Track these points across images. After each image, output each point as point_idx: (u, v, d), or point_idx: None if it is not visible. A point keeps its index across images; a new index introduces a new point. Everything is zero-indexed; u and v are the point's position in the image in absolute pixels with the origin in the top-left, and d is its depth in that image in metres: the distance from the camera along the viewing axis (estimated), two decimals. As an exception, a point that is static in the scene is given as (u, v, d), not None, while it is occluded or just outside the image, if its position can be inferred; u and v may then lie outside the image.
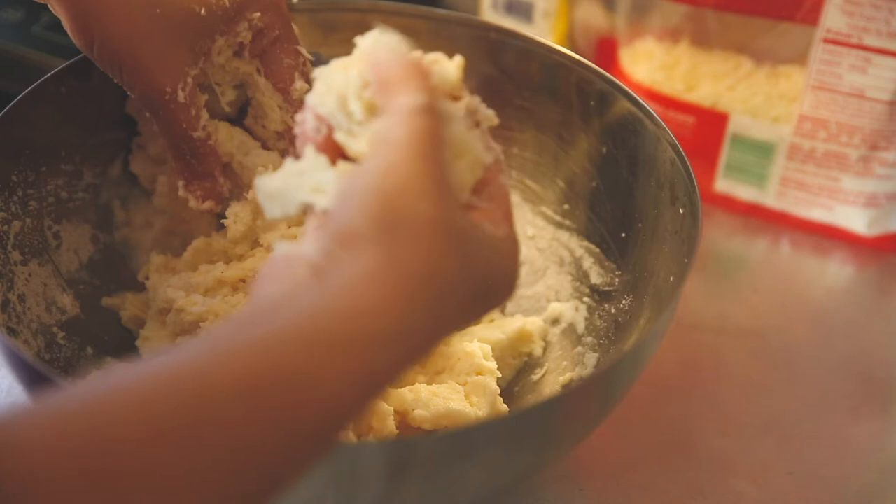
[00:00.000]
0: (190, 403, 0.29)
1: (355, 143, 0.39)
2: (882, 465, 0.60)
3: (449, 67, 0.42)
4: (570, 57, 0.60)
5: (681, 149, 0.53)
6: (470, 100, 0.43)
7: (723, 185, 0.77)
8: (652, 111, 0.56)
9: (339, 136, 0.40)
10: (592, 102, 0.60)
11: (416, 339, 0.34)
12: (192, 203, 0.56)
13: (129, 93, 0.54)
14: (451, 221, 0.36)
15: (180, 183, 0.56)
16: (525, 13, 0.83)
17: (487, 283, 0.38)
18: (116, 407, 0.29)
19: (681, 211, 0.53)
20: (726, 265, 0.74)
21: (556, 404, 0.44)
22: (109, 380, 0.30)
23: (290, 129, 0.57)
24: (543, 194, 0.65)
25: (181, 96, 0.53)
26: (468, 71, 0.64)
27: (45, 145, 0.56)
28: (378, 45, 0.40)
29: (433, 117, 0.37)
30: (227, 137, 0.58)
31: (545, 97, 0.63)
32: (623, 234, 0.59)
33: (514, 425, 0.43)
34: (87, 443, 0.28)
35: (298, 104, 0.55)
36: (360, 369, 0.32)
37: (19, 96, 0.53)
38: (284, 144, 0.58)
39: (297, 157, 0.40)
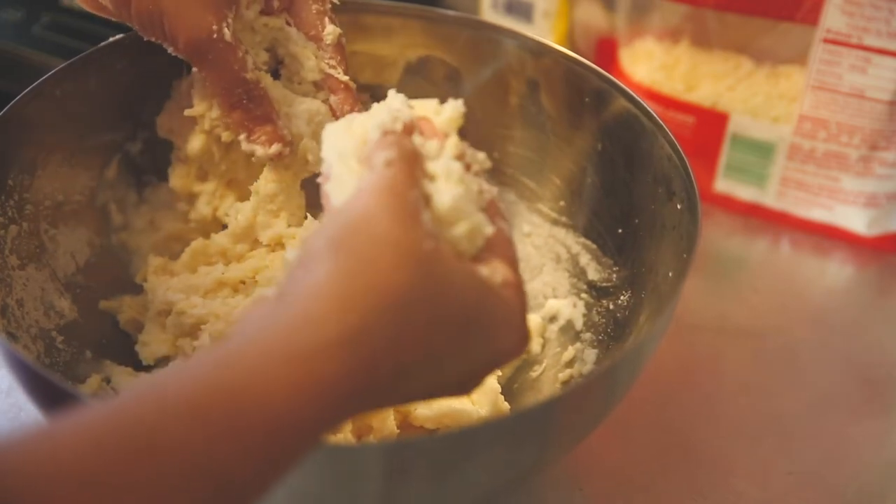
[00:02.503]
0: (145, 425, 0.30)
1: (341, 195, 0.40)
2: (882, 465, 0.60)
3: (446, 110, 0.44)
4: (565, 55, 0.61)
5: (678, 145, 0.54)
6: (457, 143, 0.43)
7: (723, 185, 0.77)
8: (648, 108, 0.56)
9: (326, 187, 0.41)
10: (587, 99, 0.60)
11: (369, 352, 0.34)
12: (260, 152, 0.54)
13: (172, 47, 0.52)
14: (417, 245, 0.36)
15: (242, 137, 0.55)
16: (525, 13, 0.83)
17: (479, 323, 0.38)
18: (78, 434, 0.30)
19: (679, 206, 0.53)
20: (726, 265, 0.74)
21: (558, 403, 0.44)
22: (83, 413, 0.30)
23: (327, 76, 0.57)
24: (539, 191, 0.65)
25: (227, 35, 0.52)
26: (466, 70, 0.64)
27: (40, 148, 0.56)
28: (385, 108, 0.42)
29: (403, 163, 0.38)
30: (271, 87, 0.56)
31: (541, 95, 0.63)
32: (620, 230, 0.59)
33: (516, 425, 0.43)
34: (56, 470, 0.29)
35: (332, 49, 0.55)
36: (306, 379, 0.32)
37: (14, 100, 0.53)
38: (325, 95, 0.57)
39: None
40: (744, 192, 0.77)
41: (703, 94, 0.76)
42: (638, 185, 0.58)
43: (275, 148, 0.54)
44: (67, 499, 0.28)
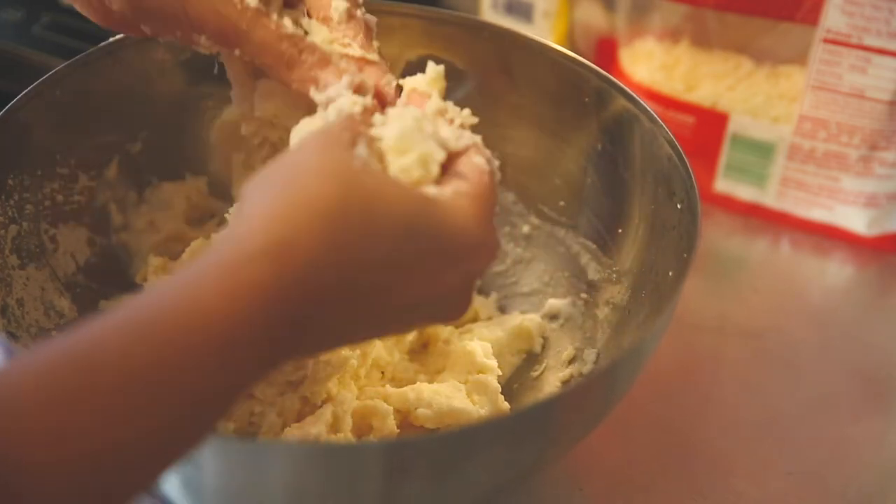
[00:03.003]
0: (98, 347, 0.32)
1: None
2: (882, 465, 0.60)
3: (429, 72, 0.47)
4: (564, 54, 0.61)
5: (678, 144, 0.54)
6: (437, 101, 0.45)
7: (723, 185, 0.77)
8: (648, 107, 0.56)
9: None
10: (587, 99, 0.60)
11: (300, 258, 0.35)
12: (334, 92, 0.49)
13: (200, 34, 0.49)
14: (344, 164, 0.37)
15: (312, 91, 0.49)
16: (525, 13, 0.83)
17: (424, 233, 0.38)
18: (37, 361, 0.31)
19: (678, 206, 0.53)
20: (726, 265, 0.74)
21: (558, 403, 0.44)
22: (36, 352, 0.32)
23: (346, 57, 0.52)
24: (539, 192, 0.65)
25: (252, 1, 0.49)
26: (467, 69, 0.63)
27: (40, 149, 0.56)
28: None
29: (347, 120, 0.41)
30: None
31: (540, 95, 0.63)
32: (620, 230, 0.59)
33: (515, 424, 0.43)
34: (18, 391, 0.30)
35: (344, 26, 0.51)
36: (236, 286, 0.33)
37: (14, 100, 0.53)
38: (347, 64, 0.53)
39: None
40: (744, 192, 0.77)
41: (703, 94, 0.76)
42: (638, 185, 0.58)
43: (343, 81, 0.49)
44: (26, 426, 0.30)
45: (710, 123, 0.75)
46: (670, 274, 0.52)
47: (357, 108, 0.42)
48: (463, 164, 0.43)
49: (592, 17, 0.83)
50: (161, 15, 0.49)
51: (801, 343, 0.67)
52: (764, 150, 0.75)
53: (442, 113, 0.44)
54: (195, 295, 0.33)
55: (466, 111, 0.45)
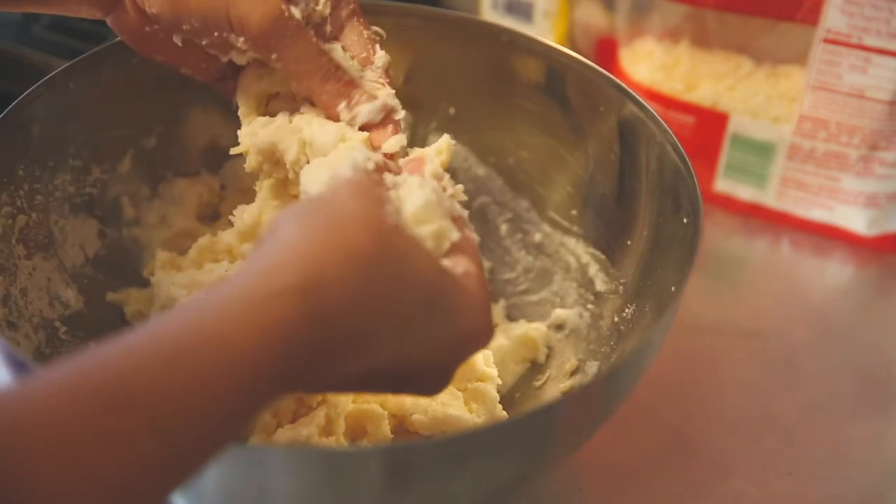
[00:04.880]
0: (118, 376, 0.31)
1: None
2: (882, 465, 0.60)
3: (440, 141, 0.49)
4: (578, 60, 0.60)
5: (686, 156, 0.53)
6: (437, 167, 0.47)
7: (723, 185, 0.77)
8: (658, 116, 0.56)
9: None
10: (602, 108, 0.60)
11: (327, 301, 0.35)
12: (366, 111, 0.51)
13: (240, 33, 0.49)
14: (381, 218, 0.38)
15: (342, 107, 0.51)
16: (525, 13, 0.83)
17: (439, 303, 0.39)
18: (52, 387, 0.31)
19: (685, 220, 0.52)
20: (726, 265, 0.74)
21: (552, 412, 0.43)
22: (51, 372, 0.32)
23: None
24: (551, 199, 0.65)
25: (297, 12, 0.50)
26: (480, 75, 0.62)
27: (52, 140, 0.56)
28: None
29: (371, 175, 0.43)
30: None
31: (553, 101, 0.63)
32: (629, 242, 0.59)
33: (510, 431, 0.42)
34: (32, 423, 0.30)
35: (381, 71, 0.53)
36: (264, 320, 0.33)
37: (28, 91, 0.53)
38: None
39: None
40: (744, 192, 0.77)
41: (703, 94, 0.76)
42: (647, 195, 0.58)
43: (379, 103, 0.51)
44: (44, 450, 0.29)
45: (710, 123, 0.75)
46: (672, 289, 0.51)
47: (370, 165, 0.44)
48: (463, 240, 0.43)
49: (592, 16, 0.83)
50: (202, 13, 0.49)
51: (801, 343, 0.67)
52: (764, 150, 0.75)
53: (439, 179, 0.46)
54: (222, 325, 0.33)
55: (460, 187, 0.46)
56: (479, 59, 0.64)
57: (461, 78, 0.65)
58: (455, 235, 0.43)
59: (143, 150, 0.62)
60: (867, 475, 0.59)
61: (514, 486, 0.51)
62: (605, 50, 0.83)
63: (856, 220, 0.74)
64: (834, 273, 0.74)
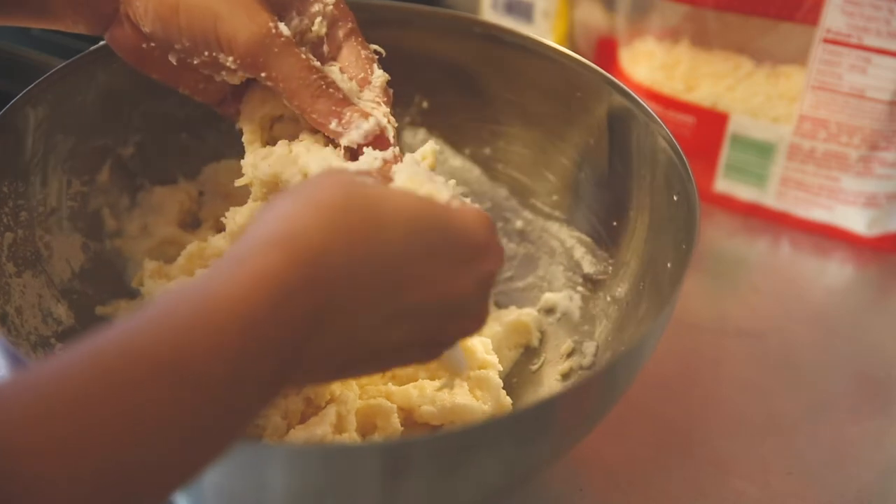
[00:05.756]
0: (126, 348, 0.32)
1: None
2: (882, 465, 0.60)
3: (425, 147, 0.51)
4: (558, 51, 0.61)
5: (672, 137, 0.53)
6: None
7: (723, 185, 0.77)
8: (642, 101, 0.56)
9: None
10: (580, 94, 0.60)
11: (307, 246, 0.36)
12: (356, 132, 0.50)
13: (228, 52, 0.49)
14: (354, 178, 0.40)
15: (333, 124, 0.51)
16: (525, 13, 0.83)
17: (430, 229, 0.39)
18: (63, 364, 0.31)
19: (675, 198, 0.52)
20: (726, 265, 0.74)
21: (559, 401, 0.44)
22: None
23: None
24: (533, 187, 0.65)
25: (285, 30, 0.50)
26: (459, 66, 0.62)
27: (34, 155, 0.56)
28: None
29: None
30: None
31: (532, 91, 0.63)
32: (615, 223, 0.59)
33: (516, 423, 0.43)
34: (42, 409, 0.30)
35: (379, 90, 0.53)
36: (246, 273, 0.34)
37: (6, 107, 0.53)
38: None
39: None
40: (744, 192, 0.77)
41: (703, 94, 0.76)
42: (632, 178, 0.58)
43: (372, 121, 0.51)
44: (65, 419, 0.30)
45: (710, 123, 0.75)
46: (669, 265, 0.52)
47: (377, 164, 0.46)
48: (455, 200, 0.43)
49: (592, 17, 0.83)
50: (191, 33, 0.49)
51: (801, 343, 0.67)
52: (764, 150, 0.75)
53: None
54: (209, 286, 0.34)
55: (452, 181, 0.47)
56: (452, 52, 0.64)
57: (434, 71, 0.65)
58: (446, 194, 0.42)
59: (121, 160, 0.61)
60: (867, 475, 0.59)
61: (515, 480, 0.51)
62: (606, 50, 0.83)
63: (856, 220, 0.74)
64: (834, 273, 0.74)
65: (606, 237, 0.60)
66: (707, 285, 0.71)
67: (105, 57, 0.57)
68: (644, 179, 0.57)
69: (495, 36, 0.63)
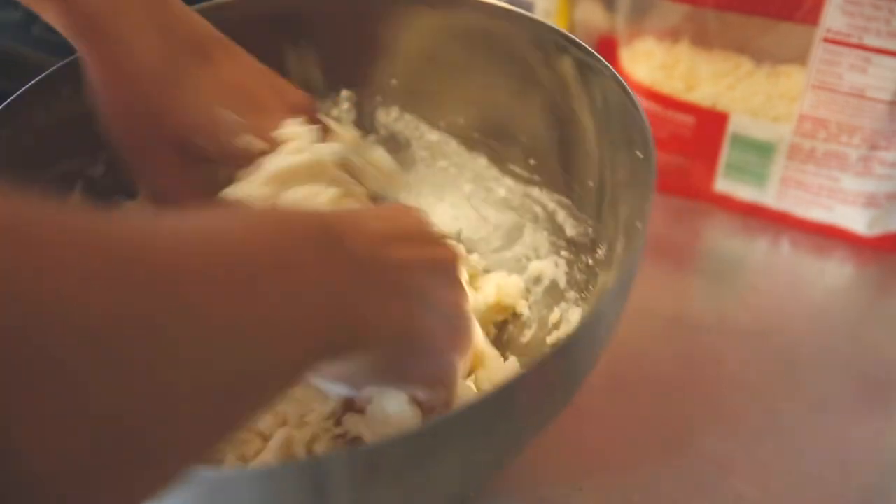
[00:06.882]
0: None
1: None
2: (882, 465, 0.60)
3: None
4: (513, 12, 0.60)
5: (632, 93, 0.52)
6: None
7: (723, 184, 0.77)
8: (600, 57, 0.55)
9: None
10: (540, 54, 0.60)
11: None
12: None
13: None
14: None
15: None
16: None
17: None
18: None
19: (639, 154, 0.52)
20: (726, 265, 0.74)
21: (513, 389, 0.40)
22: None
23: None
24: (509, 152, 0.65)
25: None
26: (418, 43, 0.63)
27: (20, 168, 0.54)
28: None
29: None
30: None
31: (494, 55, 0.62)
32: (591, 183, 0.59)
33: (475, 414, 0.40)
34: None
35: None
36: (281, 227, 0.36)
37: None
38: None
39: None
40: (744, 191, 0.77)
41: (703, 93, 0.76)
42: (599, 136, 0.57)
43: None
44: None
45: (710, 123, 0.75)
46: (638, 225, 0.50)
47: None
48: None
49: (592, 16, 0.83)
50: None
51: (801, 343, 0.67)
52: (764, 150, 0.75)
53: None
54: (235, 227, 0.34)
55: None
56: (413, 26, 0.64)
57: (398, 48, 0.65)
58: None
59: (92, 181, 0.60)
60: (867, 475, 0.59)
61: (490, 469, 0.49)
62: (606, 49, 0.83)
63: (856, 220, 0.74)
64: (834, 273, 0.74)
65: (585, 199, 0.60)
66: (707, 285, 0.71)
67: (57, 81, 0.56)
68: (609, 137, 0.56)
69: (453, 4, 0.62)
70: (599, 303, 0.45)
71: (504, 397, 0.40)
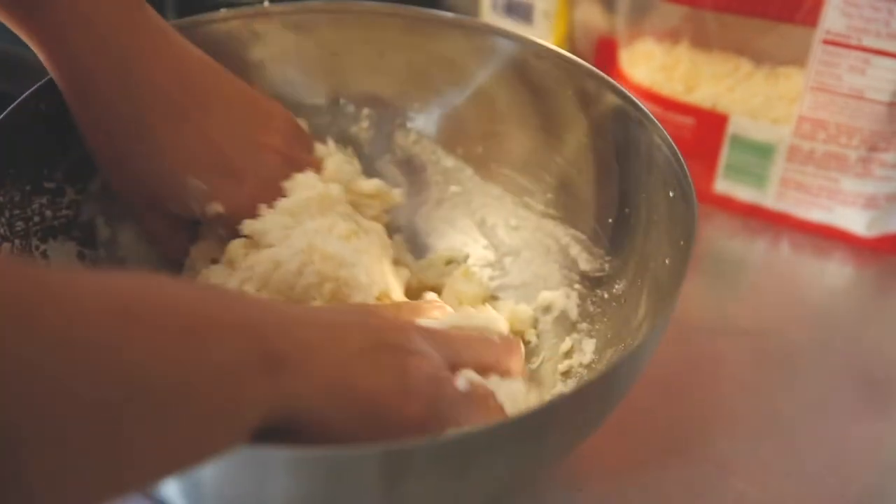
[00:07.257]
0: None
1: None
2: (882, 465, 0.60)
3: None
4: (552, 51, 0.61)
5: (667, 135, 0.53)
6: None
7: (722, 185, 0.77)
8: (637, 100, 0.56)
9: None
10: (571, 93, 0.60)
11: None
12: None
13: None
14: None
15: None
16: (525, 14, 0.83)
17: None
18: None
19: (671, 195, 0.52)
20: (726, 265, 0.74)
21: (558, 405, 0.43)
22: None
23: None
24: (527, 185, 0.65)
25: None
26: (460, 73, 0.63)
27: (28, 164, 0.55)
28: None
29: None
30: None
31: (526, 91, 0.63)
32: (610, 220, 0.59)
33: (516, 428, 0.42)
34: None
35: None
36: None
37: (6, 110, 0.52)
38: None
39: None
40: (743, 192, 0.77)
41: (703, 95, 0.76)
42: (628, 176, 0.58)
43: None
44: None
45: (710, 124, 0.76)
46: (667, 262, 0.52)
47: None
48: None
49: (592, 17, 0.83)
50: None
51: (801, 343, 0.67)
52: (763, 151, 0.75)
53: None
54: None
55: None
56: (444, 52, 0.64)
57: (422, 71, 0.65)
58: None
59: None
60: (867, 475, 0.59)
61: (517, 482, 0.50)
62: (605, 51, 0.83)
63: (855, 221, 0.74)
64: (834, 273, 0.74)
65: (602, 235, 0.60)
66: (707, 286, 0.71)
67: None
68: (640, 177, 0.57)
69: (494, 39, 0.63)
70: (647, 331, 0.47)
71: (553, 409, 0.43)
